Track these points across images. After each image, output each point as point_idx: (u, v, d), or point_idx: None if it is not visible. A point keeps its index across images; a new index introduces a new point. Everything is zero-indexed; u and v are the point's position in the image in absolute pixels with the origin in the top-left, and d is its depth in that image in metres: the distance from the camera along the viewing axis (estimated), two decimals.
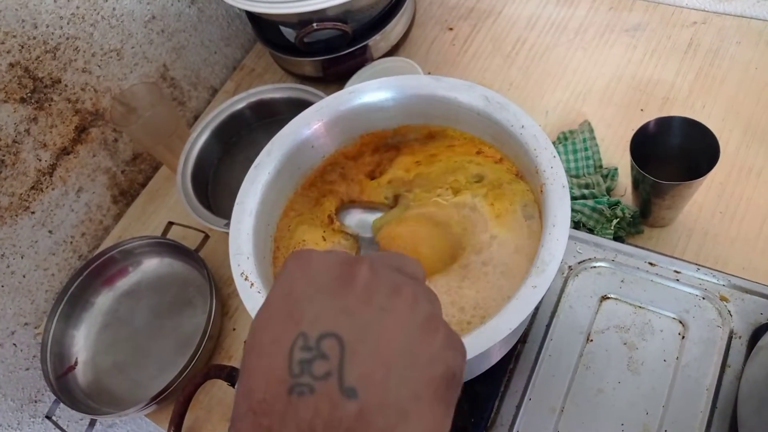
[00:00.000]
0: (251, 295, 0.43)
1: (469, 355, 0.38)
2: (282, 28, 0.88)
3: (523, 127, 0.46)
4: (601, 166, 0.72)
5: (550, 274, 0.39)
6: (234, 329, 0.76)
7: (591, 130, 0.74)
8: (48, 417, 0.74)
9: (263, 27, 0.91)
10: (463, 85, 0.49)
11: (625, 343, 0.53)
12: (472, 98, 0.48)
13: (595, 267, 0.57)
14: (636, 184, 0.64)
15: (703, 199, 0.68)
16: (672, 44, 0.79)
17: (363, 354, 0.25)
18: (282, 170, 0.50)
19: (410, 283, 0.28)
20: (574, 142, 0.73)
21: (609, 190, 0.70)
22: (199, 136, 0.81)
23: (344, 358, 0.25)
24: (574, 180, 0.70)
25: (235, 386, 0.25)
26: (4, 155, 0.75)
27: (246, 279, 0.44)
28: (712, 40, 0.79)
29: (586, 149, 0.72)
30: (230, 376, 0.63)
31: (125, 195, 0.93)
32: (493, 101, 0.48)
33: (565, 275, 0.57)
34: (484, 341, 0.38)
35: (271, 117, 0.84)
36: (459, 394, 0.28)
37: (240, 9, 0.81)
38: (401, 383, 0.25)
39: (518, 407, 0.52)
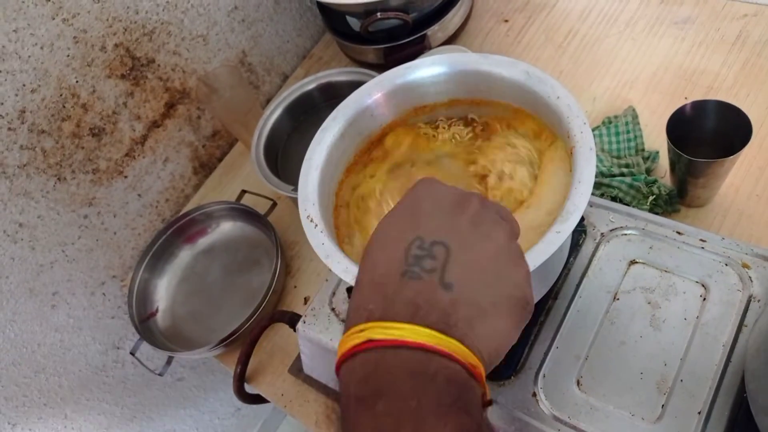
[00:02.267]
0: (315, 234, 0.51)
1: None
2: (348, 18, 0.96)
3: (558, 98, 0.52)
4: (643, 150, 0.76)
5: (572, 222, 0.45)
6: (295, 287, 0.85)
7: (635, 116, 0.78)
8: (132, 353, 0.84)
9: (332, 17, 0.99)
10: (507, 61, 0.55)
11: (649, 303, 0.57)
12: (514, 73, 0.54)
13: (626, 234, 0.62)
14: (673, 164, 0.68)
15: (740, 182, 0.71)
16: (720, 36, 0.82)
17: (463, 262, 0.32)
18: (345, 134, 0.58)
19: (509, 221, 0.36)
20: (617, 125, 0.77)
21: (649, 171, 0.74)
22: (272, 114, 0.90)
23: (448, 261, 0.32)
24: (615, 160, 0.74)
25: (358, 270, 0.35)
26: (105, 124, 0.86)
27: (311, 221, 0.52)
28: (761, 32, 0.81)
29: (628, 132, 0.76)
30: (291, 320, 0.71)
31: (204, 167, 1.03)
32: (533, 76, 0.54)
33: (597, 241, 0.62)
34: None
35: (336, 98, 0.91)
36: (527, 320, 0.35)
37: (311, 1, 0.90)
38: (487, 291, 0.33)
39: (546, 354, 0.57)
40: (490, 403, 0.34)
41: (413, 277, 0.32)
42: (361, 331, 0.31)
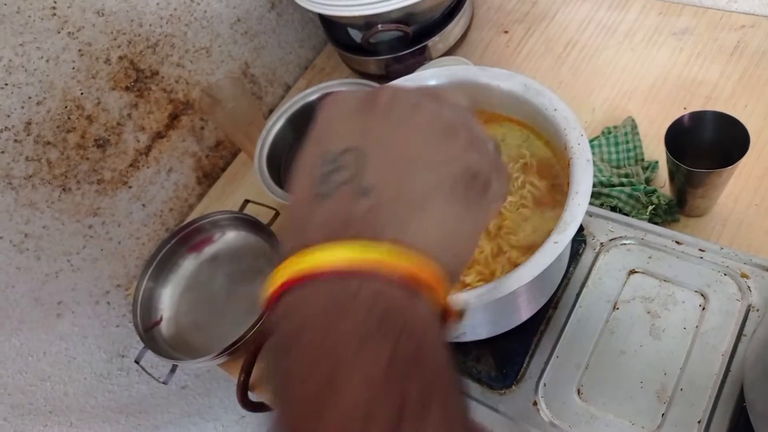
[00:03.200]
0: None
1: (497, 295, 0.44)
2: (350, 30, 0.97)
3: (555, 110, 0.52)
4: (642, 160, 0.77)
5: (570, 233, 0.46)
6: None
7: (634, 126, 0.79)
8: (137, 361, 0.85)
9: (333, 29, 1.00)
10: (505, 74, 0.56)
11: (648, 312, 0.58)
12: (512, 85, 0.55)
13: (625, 244, 0.62)
14: (671, 174, 0.68)
15: (739, 192, 0.71)
16: (718, 47, 0.83)
17: (379, 160, 0.28)
18: None
19: (433, 102, 0.30)
20: (616, 135, 0.78)
21: (648, 181, 0.74)
22: (275, 124, 0.91)
23: (361, 166, 0.27)
24: (614, 170, 0.75)
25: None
26: (110, 135, 0.87)
27: None
28: (759, 43, 0.82)
29: (627, 142, 0.77)
30: None
31: (208, 177, 1.04)
32: (530, 88, 0.54)
33: (596, 250, 0.63)
34: (512, 284, 0.44)
35: None
36: (495, 196, 0.30)
37: (313, 13, 0.91)
38: (416, 180, 0.27)
39: (546, 363, 0.58)
40: (456, 314, 0.28)
41: (324, 197, 0.27)
42: (276, 273, 0.26)
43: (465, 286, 0.52)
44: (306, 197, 0.28)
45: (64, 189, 0.85)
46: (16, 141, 0.77)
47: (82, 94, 0.83)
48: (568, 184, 0.49)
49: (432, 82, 0.59)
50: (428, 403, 0.23)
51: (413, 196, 0.27)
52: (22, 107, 0.77)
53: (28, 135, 0.78)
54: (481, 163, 0.29)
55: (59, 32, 0.77)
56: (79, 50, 0.80)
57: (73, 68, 0.80)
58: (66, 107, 0.81)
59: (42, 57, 0.77)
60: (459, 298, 0.45)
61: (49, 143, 0.81)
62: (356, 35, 0.96)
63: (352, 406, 0.22)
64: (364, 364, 0.23)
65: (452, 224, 0.28)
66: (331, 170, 0.28)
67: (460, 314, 0.29)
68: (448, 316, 0.28)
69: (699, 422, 0.51)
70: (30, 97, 0.77)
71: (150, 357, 0.85)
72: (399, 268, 0.25)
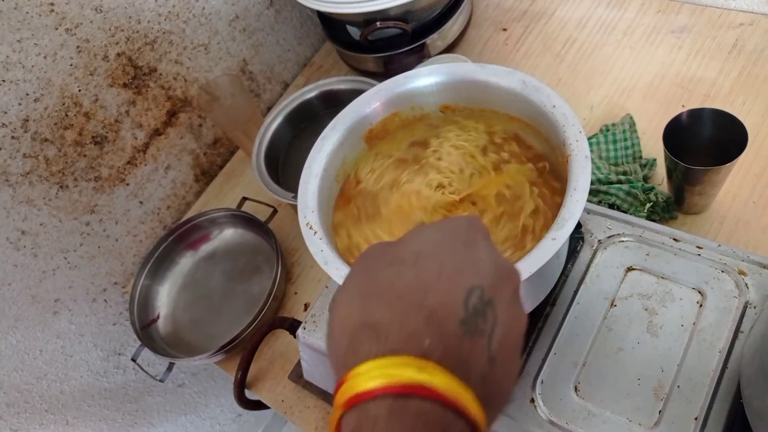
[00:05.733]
0: (314, 241, 0.52)
1: None
2: (349, 27, 0.97)
3: (554, 107, 0.52)
4: (640, 157, 0.77)
5: (567, 229, 0.45)
6: (296, 293, 0.85)
7: (632, 123, 0.79)
8: (133, 359, 0.85)
9: (332, 26, 1.00)
10: (503, 71, 0.56)
11: (646, 309, 0.58)
12: (510, 82, 0.55)
13: (623, 241, 0.62)
14: (669, 172, 0.68)
15: (737, 189, 0.71)
16: (717, 45, 0.83)
17: (502, 333, 0.30)
18: (344, 142, 0.59)
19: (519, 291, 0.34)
20: (614, 133, 0.78)
21: (646, 179, 0.74)
22: (273, 122, 0.91)
23: (494, 329, 0.30)
24: (613, 167, 0.75)
25: (387, 271, 0.32)
26: (107, 132, 0.87)
27: (311, 228, 0.52)
28: (758, 41, 0.82)
29: (625, 140, 0.77)
30: (292, 326, 0.71)
31: (206, 174, 1.04)
32: (529, 85, 0.54)
33: (594, 247, 0.62)
34: None
35: (336, 106, 0.92)
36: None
37: (312, 10, 0.91)
38: (510, 378, 0.31)
39: (543, 360, 0.58)
40: None
41: (471, 332, 0.28)
42: (413, 365, 0.27)
43: None
44: (453, 311, 0.29)
45: (61, 186, 0.85)
46: (13, 138, 0.77)
47: (79, 90, 0.82)
48: (566, 180, 0.49)
49: (431, 79, 0.59)
50: None
51: (506, 391, 0.31)
52: (20, 104, 0.76)
53: (26, 132, 0.78)
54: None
55: (57, 29, 0.77)
56: (77, 47, 0.80)
57: (71, 65, 0.80)
58: (63, 104, 0.81)
59: (39, 53, 0.76)
60: None
61: (46, 140, 0.81)
62: (355, 32, 0.96)
63: None
64: None
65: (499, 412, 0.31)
66: (479, 311, 0.29)
67: None
68: None
69: (696, 419, 0.51)
70: (27, 94, 0.77)
71: (147, 355, 0.85)
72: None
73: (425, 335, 0.28)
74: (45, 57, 0.77)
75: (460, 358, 0.28)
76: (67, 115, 0.82)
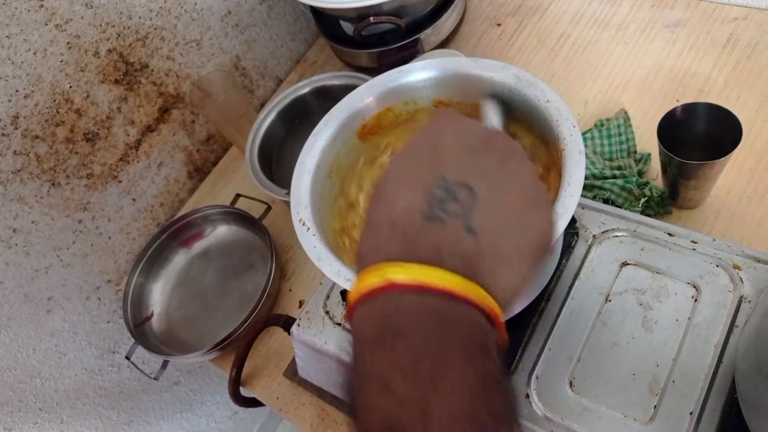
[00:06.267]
0: (307, 237, 0.51)
1: None
2: (342, 22, 0.96)
3: (548, 101, 0.52)
4: (635, 152, 0.77)
5: (561, 225, 0.45)
6: (290, 290, 0.85)
7: (627, 118, 0.79)
8: (127, 357, 0.84)
9: (325, 22, 0.99)
10: (497, 65, 0.55)
11: (641, 304, 0.58)
12: (504, 77, 0.55)
13: (617, 236, 0.62)
14: (664, 166, 0.68)
15: (731, 184, 0.71)
16: (711, 39, 0.83)
17: (488, 206, 0.31)
18: (337, 137, 0.58)
19: (530, 166, 0.34)
20: (609, 128, 0.77)
21: (641, 173, 0.74)
22: (266, 118, 0.90)
23: (474, 206, 0.30)
24: (607, 162, 0.75)
25: (369, 208, 0.33)
26: (99, 129, 0.86)
27: (303, 224, 0.52)
28: (752, 35, 0.82)
29: (620, 134, 0.77)
30: (286, 324, 0.71)
31: (199, 171, 1.03)
32: (523, 79, 0.54)
33: (589, 243, 0.62)
34: None
35: (329, 102, 0.91)
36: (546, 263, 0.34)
37: (305, 5, 0.90)
38: (512, 240, 0.31)
39: (539, 355, 0.57)
40: (506, 351, 0.33)
41: (436, 220, 0.30)
42: (379, 270, 0.29)
43: None
44: (415, 210, 0.31)
45: (53, 183, 0.84)
46: (3, 135, 0.76)
47: (70, 87, 0.82)
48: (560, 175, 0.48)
49: (424, 74, 0.59)
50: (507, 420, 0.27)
51: (509, 254, 0.31)
52: (9, 100, 0.76)
53: (16, 129, 0.77)
54: (553, 234, 0.34)
55: (47, 24, 0.76)
56: (68, 43, 0.79)
57: (62, 61, 0.79)
58: (54, 101, 0.80)
59: (29, 49, 0.76)
60: None
61: (37, 137, 0.80)
62: (348, 28, 0.96)
63: (456, 408, 0.25)
64: (464, 374, 0.27)
65: (522, 282, 0.32)
66: (445, 198, 0.30)
67: (507, 350, 0.34)
68: (503, 349, 0.32)
69: (691, 414, 0.51)
70: (17, 90, 0.76)
71: (141, 353, 0.84)
72: (488, 307, 0.30)
73: (388, 242, 0.30)
74: (35, 53, 0.76)
75: (429, 246, 0.29)
76: (58, 112, 0.81)
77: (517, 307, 0.56)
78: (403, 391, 0.26)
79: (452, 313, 0.28)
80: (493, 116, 0.52)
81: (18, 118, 0.77)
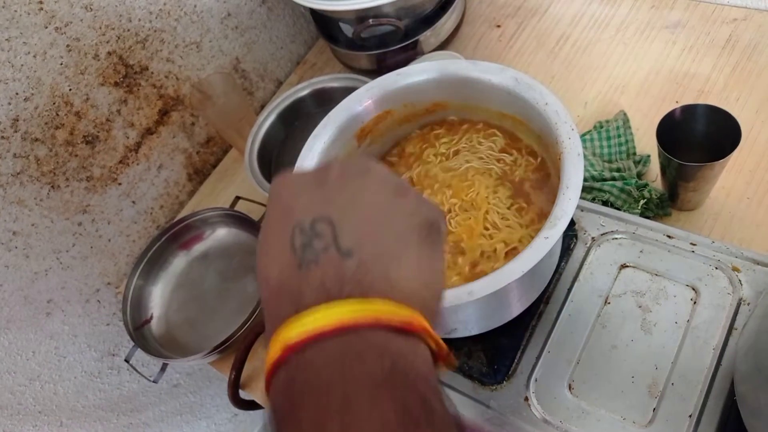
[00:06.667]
0: None
1: (488, 291, 0.44)
2: (341, 24, 0.97)
3: (546, 104, 0.52)
4: (634, 154, 0.77)
5: (560, 227, 0.45)
6: None
7: (626, 120, 0.78)
8: (126, 360, 0.84)
9: (325, 24, 0.99)
10: (496, 68, 0.55)
11: (640, 306, 0.58)
12: (503, 79, 0.55)
13: (616, 239, 0.62)
14: (663, 168, 0.68)
15: (731, 185, 0.71)
16: (710, 40, 0.83)
17: (351, 224, 0.30)
18: (336, 140, 0.58)
19: (375, 167, 0.33)
20: (608, 129, 0.77)
21: (640, 175, 0.74)
22: (266, 120, 0.90)
23: (336, 230, 0.30)
24: (606, 164, 0.75)
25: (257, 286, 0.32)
26: (99, 131, 0.86)
27: None
28: (751, 36, 0.82)
29: (619, 136, 0.76)
30: None
31: (199, 174, 1.03)
32: (522, 82, 0.54)
33: (588, 245, 0.62)
34: (503, 279, 0.44)
35: (329, 104, 0.91)
36: (443, 240, 0.33)
37: (304, 8, 0.90)
38: (387, 236, 0.30)
39: (537, 358, 0.57)
40: (446, 355, 0.30)
41: (310, 263, 0.29)
42: (276, 339, 0.27)
43: None
44: (289, 269, 0.30)
45: (52, 186, 0.84)
46: (2, 138, 0.77)
47: (70, 90, 0.82)
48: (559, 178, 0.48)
49: (423, 77, 0.59)
50: None
51: (390, 249, 0.30)
52: (9, 103, 0.76)
53: (16, 131, 0.78)
54: (432, 212, 0.33)
55: (46, 27, 0.76)
56: (67, 46, 0.79)
57: (61, 64, 0.79)
58: (54, 103, 0.80)
59: (29, 52, 0.76)
60: (451, 296, 0.45)
61: (37, 140, 0.80)
62: (348, 30, 0.96)
63: None
64: (378, 418, 0.24)
65: (426, 268, 0.31)
66: (308, 240, 0.30)
67: (450, 356, 0.31)
68: (437, 357, 0.30)
69: (690, 416, 0.51)
70: (17, 93, 0.76)
71: (141, 355, 0.84)
72: (396, 317, 0.27)
73: (278, 309, 0.29)
74: (35, 56, 0.76)
75: (314, 289, 0.28)
76: (57, 115, 0.81)
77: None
78: None
79: (354, 349, 0.26)
80: None
81: (18, 120, 0.77)
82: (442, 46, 0.95)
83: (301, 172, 0.34)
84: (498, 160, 0.59)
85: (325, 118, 0.59)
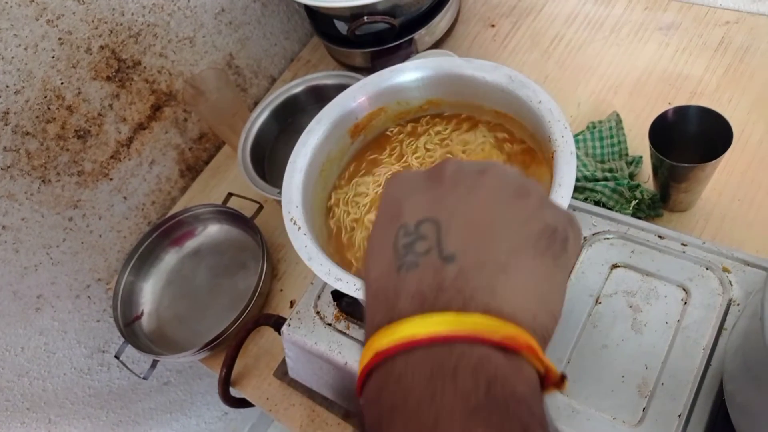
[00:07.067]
0: (299, 236, 0.51)
1: None
2: (336, 21, 0.96)
3: (540, 102, 0.52)
4: (627, 154, 0.77)
5: None
6: (281, 290, 0.85)
7: (619, 120, 0.79)
8: (116, 356, 0.84)
9: (319, 21, 0.99)
10: (490, 66, 0.55)
11: (630, 306, 0.58)
12: (497, 77, 0.55)
13: (608, 239, 0.62)
14: (655, 169, 0.68)
15: (722, 186, 0.72)
16: (703, 42, 0.83)
17: (457, 227, 0.28)
18: (329, 136, 0.58)
19: (496, 165, 0.30)
20: (601, 130, 0.78)
21: (632, 176, 0.74)
22: (259, 116, 0.90)
23: (441, 233, 0.27)
24: (599, 164, 0.75)
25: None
26: (90, 126, 0.86)
27: (294, 223, 0.52)
28: (743, 39, 0.82)
29: (611, 137, 0.77)
30: (277, 324, 0.71)
31: (191, 170, 1.03)
32: (515, 80, 0.54)
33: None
34: None
35: (323, 101, 0.91)
36: (573, 250, 0.29)
37: (299, 4, 0.90)
38: (498, 242, 0.27)
39: None
40: (560, 381, 0.27)
41: (410, 266, 0.27)
42: (369, 346, 0.26)
43: None
44: (388, 270, 0.28)
45: (43, 180, 0.83)
46: None
47: (62, 83, 0.81)
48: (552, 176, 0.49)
49: (417, 74, 0.59)
50: None
51: (498, 258, 0.27)
52: None
53: (6, 125, 0.77)
54: (557, 218, 0.29)
55: (38, 19, 0.76)
56: (59, 39, 0.79)
57: (53, 57, 0.79)
58: (45, 97, 0.80)
59: (20, 45, 0.75)
60: None
61: (27, 133, 0.79)
62: (342, 27, 0.95)
63: None
64: None
65: (539, 282, 0.27)
66: (411, 242, 0.28)
67: (563, 379, 0.27)
68: (547, 381, 0.27)
69: (679, 416, 0.51)
70: (7, 86, 0.76)
71: (131, 352, 0.84)
72: (498, 333, 0.25)
73: (374, 314, 0.28)
74: (26, 48, 0.76)
75: (410, 296, 0.26)
76: (49, 108, 0.81)
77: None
78: None
79: (448, 364, 0.24)
80: None
81: (8, 114, 0.76)
82: (437, 44, 0.95)
83: (415, 172, 0.32)
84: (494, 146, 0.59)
85: (319, 114, 0.59)
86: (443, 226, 0.28)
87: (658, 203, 0.71)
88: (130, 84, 0.89)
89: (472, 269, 0.26)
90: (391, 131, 0.63)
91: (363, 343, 0.27)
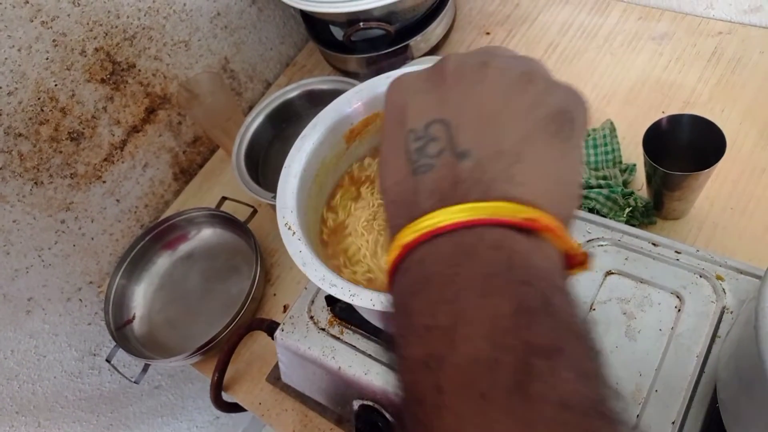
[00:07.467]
0: (293, 241, 0.51)
1: None
2: (332, 27, 0.97)
3: None
4: (620, 162, 0.77)
5: None
6: (275, 295, 0.84)
7: (612, 128, 0.79)
8: (108, 360, 0.83)
9: (315, 26, 0.99)
10: None
11: (624, 313, 0.58)
12: None
13: (602, 245, 0.62)
14: (649, 177, 0.69)
15: (715, 195, 0.72)
16: (696, 52, 0.84)
17: (467, 123, 0.28)
18: (324, 141, 0.58)
19: (498, 56, 0.30)
20: (595, 138, 0.78)
21: (626, 184, 0.75)
22: (254, 121, 0.90)
23: (451, 132, 0.28)
24: (593, 172, 0.75)
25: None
26: (84, 128, 0.85)
27: (289, 228, 0.52)
28: (735, 49, 0.83)
29: (606, 145, 0.77)
30: (270, 328, 0.70)
31: (185, 173, 1.02)
32: None
33: None
34: None
35: (318, 106, 0.91)
36: (581, 128, 0.29)
37: (295, 9, 0.90)
38: (509, 132, 0.27)
39: None
40: (584, 259, 0.28)
41: (425, 169, 0.27)
42: (394, 243, 0.27)
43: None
44: (404, 176, 0.28)
45: (35, 182, 0.83)
46: None
47: (56, 85, 0.81)
48: None
49: None
50: (557, 354, 0.22)
51: (511, 148, 0.27)
52: None
53: None
54: (564, 99, 0.29)
55: (32, 21, 0.75)
56: (53, 40, 0.78)
57: (47, 59, 0.79)
58: (39, 98, 0.79)
59: (13, 46, 0.75)
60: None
61: (20, 135, 0.79)
62: (338, 32, 0.96)
63: (476, 354, 0.22)
64: (491, 308, 0.23)
65: (554, 166, 0.28)
66: (423, 145, 0.28)
67: (585, 258, 0.28)
68: (571, 261, 0.27)
69: (673, 423, 0.51)
70: (0, 87, 0.75)
71: (122, 356, 0.83)
72: (518, 215, 0.25)
73: (394, 218, 0.28)
74: (19, 50, 0.75)
75: (428, 194, 0.27)
76: (42, 110, 0.80)
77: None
78: (424, 345, 0.23)
79: (469, 243, 0.25)
80: None
81: (1, 115, 0.76)
82: (432, 51, 0.95)
83: (415, 72, 0.31)
84: None
85: (315, 119, 0.59)
86: (453, 125, 0.28)
87: (652, 211, 0.71)
88: (125, 87, 0.89)
89: (488, 161, 0.27)
90: None
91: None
